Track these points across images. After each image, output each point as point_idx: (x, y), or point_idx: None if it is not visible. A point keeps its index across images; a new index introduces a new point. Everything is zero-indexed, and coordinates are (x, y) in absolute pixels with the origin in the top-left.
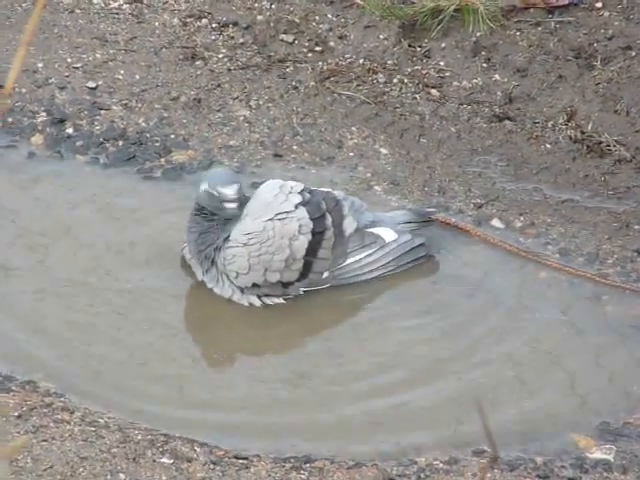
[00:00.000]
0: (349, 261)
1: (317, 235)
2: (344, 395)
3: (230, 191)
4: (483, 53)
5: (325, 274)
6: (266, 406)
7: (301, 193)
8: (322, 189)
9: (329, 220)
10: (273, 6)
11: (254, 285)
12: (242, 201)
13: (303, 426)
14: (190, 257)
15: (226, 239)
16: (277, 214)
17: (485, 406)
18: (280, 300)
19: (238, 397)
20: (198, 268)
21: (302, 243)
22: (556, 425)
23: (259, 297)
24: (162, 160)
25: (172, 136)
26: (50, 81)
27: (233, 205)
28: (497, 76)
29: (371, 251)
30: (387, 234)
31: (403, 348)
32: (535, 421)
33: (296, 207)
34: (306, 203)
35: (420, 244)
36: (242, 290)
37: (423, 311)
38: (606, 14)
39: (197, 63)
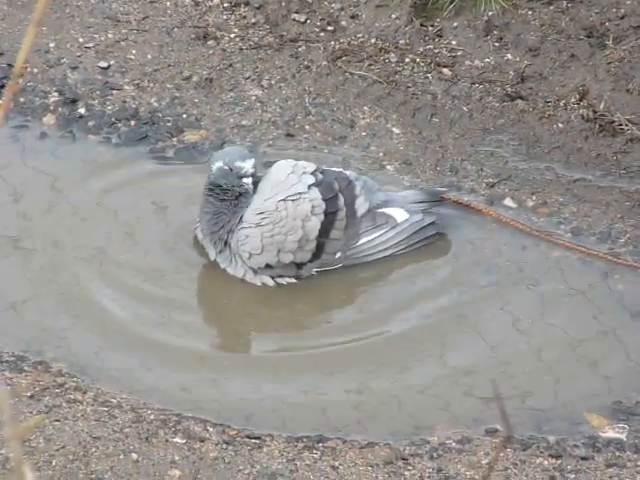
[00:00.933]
0: (361, 241)
1: (330, 216)
2: (354, 373)
3: (248, 165)
4: (495, 32)
5: (338, 254)
6: (277, 385)
7: (313, 174)
8: (334, 169)
9: (341, 200)
10: None
11: (267, 266)
12: (255, 180)
13: (314, 405)
14: (202, 237)
15: (239, 221)
16: (290, 195)
17: (499, 386)
18: (292, 280)
19: (249, 376)
20: (211, 248)
21: (315, 224)
22: (569, 404)
23: (272, 277)
24: (174, 140)
25: (184, 116)
26: (62, 61)
27: (249, 180)
28: (509, 55)
29: (383, 231)
30: (399, 214)
31: (414, 327)
32: (548, 400)
33: (309, 188)
34: (319, 184)
35: (431, 223)
36: (255, 271)
37: (434, 290)
38: None
39: (209, 43)
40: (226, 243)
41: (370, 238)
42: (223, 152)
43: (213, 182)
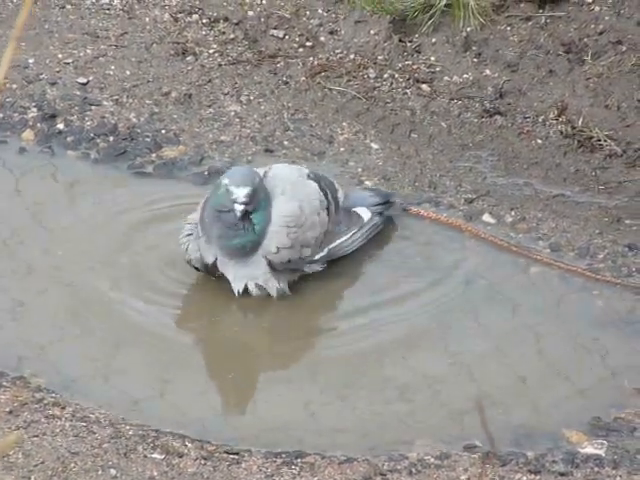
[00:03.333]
0: (343, 238)
1: (327, 210)
2: (331, 388)
3: (240, 193)
4: (474, 48)
5: (325, 250)
6: (256, 400)
7: (308, 172)
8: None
9: (329, 196)
10: (264, 1)
11: (289, 261)
12: (254, 201)
13: (295, 420)
14: (206, 247)
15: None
16: (306, 193)
17: (483, 404)
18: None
19: (228, 393)
20: (227, 262)
21: (323, 218)
22: (547, 420)
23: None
24: (153, 155)
25: (163, 131)
26: (41, 77)
27: (241, 207)
28: (488, 71)
29: (356, 229)
30: (364, 214)
31: (390, 341)
32: (527, 416)
33: (312, 184)
34: (317, 181)
35: (381, 224)
36: (274, 270)
37: (409, 306)
38: (597, 9)
39: (188, 58)
40: (245, 247)
41: (348, 235)
42: (231, 171)
43: (217, 194)
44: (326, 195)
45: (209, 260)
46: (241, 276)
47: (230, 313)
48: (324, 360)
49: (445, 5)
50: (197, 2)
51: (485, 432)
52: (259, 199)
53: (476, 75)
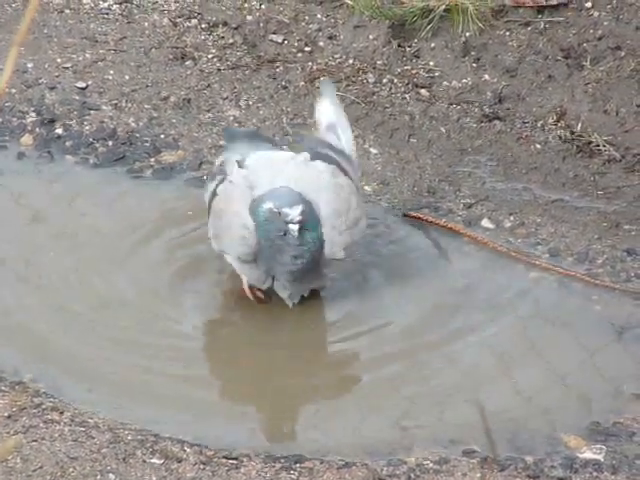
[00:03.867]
0: None
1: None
2: (332, 394)
3: (294, 212)
4: (472, 53)
5: None
6: (254, 405)
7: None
8: None
9: (337, 157)
10: (263, 6)
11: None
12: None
13: (291, 424)
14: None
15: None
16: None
17: (473, 405)
18: None
19: (227, 398)
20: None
21: (348, 183)
22: (546, 425)
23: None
24: (152, 160)
25: (162, 136)
26: (40, 81)
27: (296, 227)
28: (487, 76)
29: None
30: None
31: (390, 349)
32: (525, 421)
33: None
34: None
35: None
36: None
37: (406, 312)
38: (596, 14)
39: (187, 63)
40: (314, 260)
41: None
42: (273, 194)
43: (262, 223)
44: (337, 163)
45: (264, 287)
46: (298, 291)
47: (230, 317)
48: (322, 363)
49: (444, 10)
50: (196, 7)
51: (487, 437)
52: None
53: (475, 80)
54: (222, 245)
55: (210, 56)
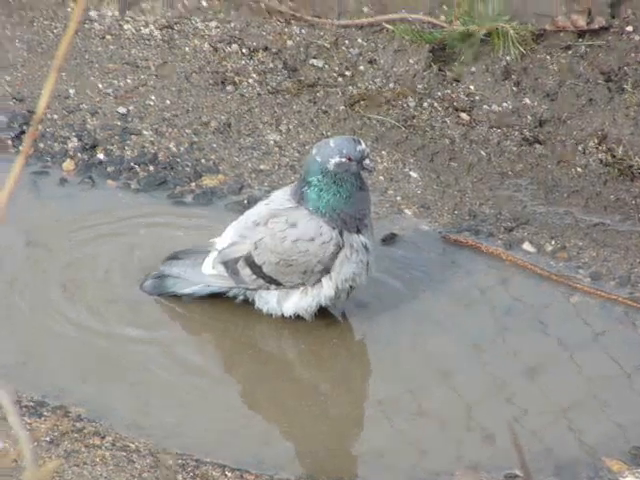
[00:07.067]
0: None
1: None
2: (372, 418)
3: (362, 146)
4: (513, 77)
5: None
6: (295, 431)
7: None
8: None
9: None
10: (303, 31)
11: None
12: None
13: (334, 447)
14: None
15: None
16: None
17: (517, 431)
18: None
19: (266, 422)
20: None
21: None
22: (589, 450)
23: None
24: (193, 185)
25: (203, 161)
26: (81, 107)
27: (368, 161)
28: (527, 100)
29: None
30: None
31: (429, 371)
32: (568, 446)
33: None
34: None
35: None
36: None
37: (449, 334)
38: (636, 38)
39: (227, 88)
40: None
41: None
42: (334, 146)
43: (335, 174)
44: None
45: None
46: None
47: (272, 341)
48: (363, 389)
49: (484, 34)
50: (237, 32)
51: (520, 460)
52: None
53: (515, 104)
54: (294, 277)
55: (251, 81)
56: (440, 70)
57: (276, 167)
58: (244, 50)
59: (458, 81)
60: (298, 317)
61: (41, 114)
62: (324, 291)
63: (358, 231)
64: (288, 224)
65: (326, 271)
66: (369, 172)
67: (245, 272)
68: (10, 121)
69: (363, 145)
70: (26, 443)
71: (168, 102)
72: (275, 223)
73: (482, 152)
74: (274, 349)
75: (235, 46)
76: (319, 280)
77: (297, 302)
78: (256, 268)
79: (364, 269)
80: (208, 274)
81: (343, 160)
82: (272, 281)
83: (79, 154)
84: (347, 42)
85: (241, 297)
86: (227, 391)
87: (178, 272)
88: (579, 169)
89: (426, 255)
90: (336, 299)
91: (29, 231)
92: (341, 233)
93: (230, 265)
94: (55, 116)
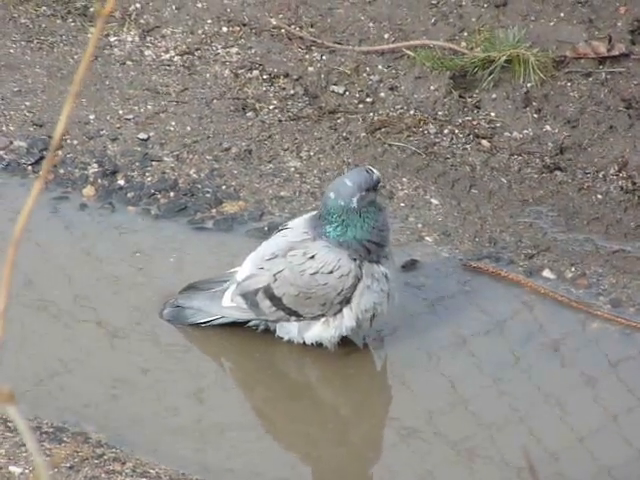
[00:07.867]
0: None
1: None
2: (396, 448)
3: (375, 176)
4: (534, 104)
5: None
6: (313, 456)
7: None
8: None
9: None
10: (324, 57)
11: None
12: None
13: (366, 474)
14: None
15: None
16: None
17: (535, 460)
18: None
19: (286, 445)
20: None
21: None
22: (605, 478)
23: None
24: (213, 211)
25: (223, 187)
26: (101, 132)
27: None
28: (548, 127)
29: None
30: None
31: (448, 391)
32: (585, 473)
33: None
34: None
35: None
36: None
37: (467, 360)
38: None
39: (248, 114)
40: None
41: None
42: (352, 185)
43: (359, 208)
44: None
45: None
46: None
47: (292, 363)
48: (378, 412)
49: (505, 61)
50: (257, 58)
51: None
52: None
53: (536, 131)
54: (314, 309)
55: (271, 107)
56: (461, 97)
57: (297, 194)
58: (265, 76)
59: (479, 108)
60: (319, 344)
61: (58, 140)
62: (345, 322)
63: (377, 261)
64: (306, 257)
65: (346, 301)
66: (382, 187)
67: (265, 304)
68: (30, 147)
69: (376, 172)
70: (44, 469)
71: (189, 128)
72: (293, 256)
73: (503, 179)
74: (294, 372)
75: (256, 72)
76: (340, 310)
77: (319, 334)
78: (276, 300)
79: (385, 298)
80: (227, 306)
81: (364, 194)
82: (292, 313)
83: (99, 180)
84: (368, 68)
85: (262, 327)
86: (246, 414)
87: (198, 305)
88: (599, 196)
89: (446, 281)
90: (358, 328)
91: (52, 255)
92: (360, 265)
93: (249, 297)
94: (75, 142)
